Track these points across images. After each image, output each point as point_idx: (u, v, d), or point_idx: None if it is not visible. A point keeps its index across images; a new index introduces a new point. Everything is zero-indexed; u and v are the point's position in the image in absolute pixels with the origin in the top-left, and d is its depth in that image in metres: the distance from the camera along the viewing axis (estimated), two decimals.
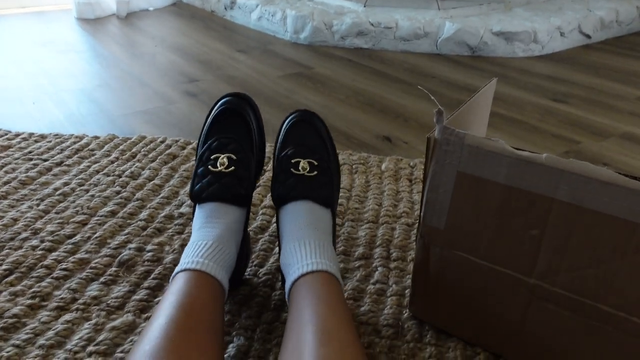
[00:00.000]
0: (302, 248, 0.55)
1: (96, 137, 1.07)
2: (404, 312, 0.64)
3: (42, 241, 0.73)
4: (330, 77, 1.56)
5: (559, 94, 1.47)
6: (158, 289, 0.66)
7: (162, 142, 1.07)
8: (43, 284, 0.65)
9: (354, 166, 0.99)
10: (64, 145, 1.03)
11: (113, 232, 0.77)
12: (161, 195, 0.87)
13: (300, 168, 0.63)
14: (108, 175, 0.93)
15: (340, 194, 0.88)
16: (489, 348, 0.58)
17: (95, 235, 0.75)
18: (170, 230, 0.78)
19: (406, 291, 0.67)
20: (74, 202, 0.84)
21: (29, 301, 0.62)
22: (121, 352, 0.56)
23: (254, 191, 0.65)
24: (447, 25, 1.80)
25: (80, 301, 0.63)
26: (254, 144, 0.67)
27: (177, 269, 0.53)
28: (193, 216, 0.63)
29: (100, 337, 0.57)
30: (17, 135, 1.07)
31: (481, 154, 0.50)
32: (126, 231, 0.77)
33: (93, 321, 0.60)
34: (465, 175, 0.51)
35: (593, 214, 0.46)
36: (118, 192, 0.87)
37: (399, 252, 0.75)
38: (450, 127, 0.51)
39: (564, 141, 1.18)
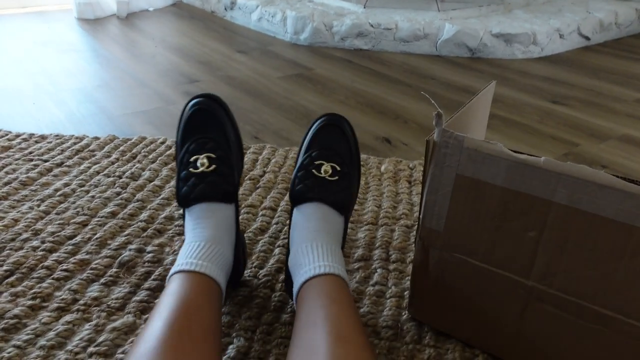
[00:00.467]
0: (314, 250, 0.55)
1: (96, 138, 1.08)
2: (403, 313, 0.64)
3: (42, 242, 0.73)
4: (330, 78, 1.56)
5: (558, 96, 1.48)
6: (158, 290, 0.66)
7: (162, 142, 1.07)
8: (44, 284, 0.65)
9: None
10: (64, 146, 1.03)
11: (113, 233, 0.77)
12: (161, 196, 0.87)
13: (322, 171, 0.63)
14: (108, 176, 0.93)
15: None
16: (488, 350, 0.58)
17: (96, 236, 0.76)
18: (170, 231, 0.78)
19: (405, 293, 0.67)
20: (74, 203, 0.84)
21: (30, 302, 0.63)
22: (122, 353, 0.56)
23: (239, 186, 0.65)
24: (446, 26, 1.80)
25: (81, 302, 0.63)
26: (230, 141, 0.67)
27: (172, 270, 0.53)
28: (184, 221, 0.63)
29: (101, 338, 0.58)
30: (18, 135, 1.07)
31: (480, 156, 0.50)
32: (126, 232, 0.77)
33: (94, 322, 0.60)
34: (464, 177, 0.52)
35: (591, 216, 0.46)
36: (118, 193, 0.87)
37: (398, 253, 0.75)
38: (449, 130, 0.51)
39: (563, 143, 1.18)
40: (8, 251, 0.71)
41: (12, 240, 0.74)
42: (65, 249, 0.72)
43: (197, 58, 1.71)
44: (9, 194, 0.86)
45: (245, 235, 0.77)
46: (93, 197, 0.86)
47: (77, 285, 0.66)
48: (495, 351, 0.58)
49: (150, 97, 1.36)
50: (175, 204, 0.85)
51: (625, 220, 0.44)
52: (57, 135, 1.08)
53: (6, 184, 0.89)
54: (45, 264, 0.69)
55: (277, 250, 0.75)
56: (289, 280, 0.60)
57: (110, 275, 0.68)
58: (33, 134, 1.08)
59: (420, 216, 0.56)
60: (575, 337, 0.51)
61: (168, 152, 1.02)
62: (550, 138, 1.20)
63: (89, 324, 0.60)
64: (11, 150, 1.01)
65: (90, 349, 0.56)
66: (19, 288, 0.65)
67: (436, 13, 1.93)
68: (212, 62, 1.68)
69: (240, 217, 0.82)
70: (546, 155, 1.10)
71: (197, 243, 0.56)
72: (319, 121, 0.68)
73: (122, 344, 0.57)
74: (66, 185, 0.89)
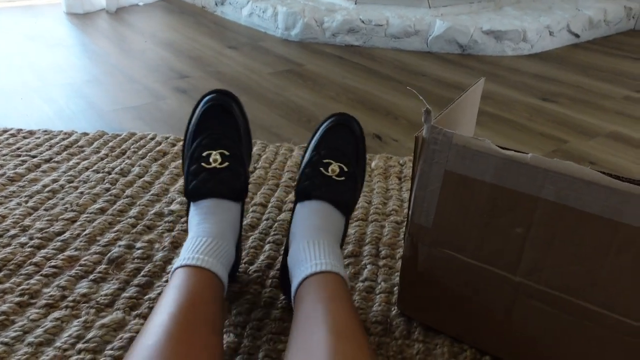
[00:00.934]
0: (314, 248, 0.55)
1: (85, 134, 1.07)
2: (393, 309, 0.64)
3: (30, 238, 0.73)
4: (321, 75, 1.56)
5: (548, 93, 1.49)
6: (148, 287, 0.66)
7: (152, 138, 1.06)
8: (32, 281, 0.65)
9: None
10: (52, 141, 1.03)
11: (102, 229, 0.77)
12: (151, 192, 0.87)
13: (330, 170, 0.63)
14: (97, 172, 0.92)
15: None
16: (476, 345, 0.59)
17: (85, 233, 0.75)
18: (160, 228, 0.78)
19: (395, 288, 0.68)
20: (63, 199, 0.83)
21: (18, 299, 0.62)
22: (111, 349, 0.56)
23: (248, 185, 0.65)
24: (437, 23, 1.81)
25: (70, 299, 0.63)
26: (242, 139, 0.67)
27: (176, 264, 0.53)
28: (187, 214, 0.63)
29: (90, 335, 0.57)
30: (5, 131, 1.06)
31: (468, 153, 0.50)
32: (116, 228, 0.77)
33: (82, 319, 0.60)
34: (452, 174, 0.52)
35: (577, 213, 0.46)
36: (107, 190, 0.87)
37: (387, 249, 0.75)
38: (438, 127, 0.52)
39: (552, 140, 1.19)
40: None
41: (0, 236, 0.73)
42: (54, 246, 0.72)
43: (188, 53, 1.70)
44: None
45: None
46: (82, 193, 0.85)
47: (66, 282, 0.65)
48: (483, 346, 0.58)
49: (140, 92, 1.36)
50: (165, 200, 0.85)
51: (611, 216, 0.45)
52: (45, 131, 1.07)
53: None
54: (34, 260, 0.69)
55: (267, 247, 0.75)
56: (284, 277, 0.60)
57: (99, 272, 0.68)
58: (21, 130, 1.07)
59: (409, 212, 0.57)
60: (561, 332, 0.52)
61: (158, 148, 1.02)
62: (540, 135, 1.21)
63: (78, 320, 0.60)
64: None
65: (79, 346, 0.56)
66: (7, 285, 0.64)
67: (427, 9, 1.94)
68: (202, 57, 1.67)
69: None
70: (535, 152, 1.11)
71: (203, 238, 0.56)
72: (328, 121, 0.69)
73: (111, 340, 0.57)
74: (55, 181, 0.89)
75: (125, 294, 0.64)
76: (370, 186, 0.93)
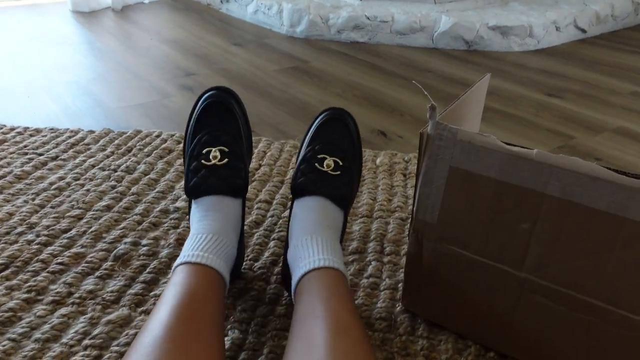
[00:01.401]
0: (313, 243, 0.55)
1: (91, 132, 1.08)
2: (397, 305, 0.64)
3: (37, 235, 0.73)
4: (326, 71, 1.56)
5: (554, 89, 1.48)
6: (153, 283, 0.66)
7: (157, 136, 1.07)
8: (39, 278, 0.65)
9: None
10: (59, 139, 1.03)
11: (109, 226, 0.77)
12: (157, 189, 0.87)
13: (325, 165, 0.63)
14: (103, 170, 0.93)
15: None
16: (481, 341, 0.59)
17: (91, 230, 0.76)
18: (165, 225, 0.78)
19: (399, 285, 0.68)
20: (69, 196, 0.84)
21: (25, 295, 0.63)
22: (117, 345, 0.56)
23: (248, 182, 0.65)
24: (443, 19, 1.80)
25: (76, 295, 0.63)
26: (242, 135, 0.67)
27: (177, 261, 0.53)
28: (189, 212, 0.63)
29: (96, 331, 0.58)
30: (12, 129, 1.07)
31: (473, 149, 0.50)
32: (122, 225, 0.77)
33: (89, 315, 0.60)
34: (457, 170, 0.52)
35: (583, 208, 0.46)
36: (113, 187, 0.87)
37: (392, 246, 0.75)
38: (443, 123, 0.51)
39: (558, 136, 1.18)
40: (3, 245, 0.71)
41: (7, 233, 0.74)
42: (60, 243, 0.72)
43: (193, 51, 1.71)
44: (4, 188, 0.86)
45: None
46: (88, 190, 0.86)
47: (72, 278, 0.66)
48: (488, 342, 0.58)
49: (146, 90, 1.36)
50: (170, 197, 0.85)
51: (617, 211, 0.45)
52: (52, 129, 1.07)
53: (1, 177, 0.88)
54: (40, 257, 0.69)
55: (272, 244, 0.75)
56: (286, 273, 0.60)
57: (106, 269, 0.68)
58: (28, 128, 1.08)
59: (414, 208, 0.56)
60: (567, 328, 0.51)
61: (163, 146, 1.02)
62: (546, 130, 1.21)
63: (84, 316, 0.60)
64: (6, 143, 1.01)
65: (86, 342, 0.56)
66: (14, 282, 0.65)
67: (432, 5, 1.93)
68: (208, 55, 1.67)
69: None
70: (541, 147, 1.10)
71: (204, 235, 0.56)
72: (322, 115, 0.69)
73: (117, 336, 0.58)
74: (61, 178, 0.89)
75: (131, 291, 0.64)
76: (375, 183, 0.93)
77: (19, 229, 0.75)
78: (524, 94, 1.43)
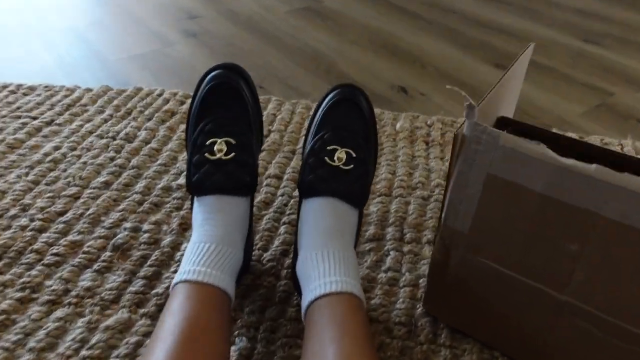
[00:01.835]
0: (325, 259, 0.49)
1: (89, 90, 1.00)
2: (418, 306, 0.59)
3: (31, 220, 0.69)
4: (341, 13, 1.43)
5: (592, 34, 1.35)
6: (155, 278, 0.61)
7: (159, 95, 0.99)
8: (33, 272, 0.61)
9: None
10: (54, 99, 0.96)
11: (107, 207, 0.72)
12: (158, 162, 0.81)
13: (335, 158, 0.55)
14: (102, 138, 0.86)
15: None
16: (508, 354, 0.54)
17: (88, 212, 0.70)
18: (168, 205, 0.73)
19: (420, 280, 0.62)
20: (65, 170, 0.78)
21: (19, 294, 0.59)
22: (116, 357, 0.52)
23: (258, 177, 0.58)
24: None
25: (73, 293, 0.59)
26: (252, 123, 0.59)
27: (177, 277, 0.48)
28: (191, 208, 0.57)
29: (94, 340, 0.54)
30: (5, 87, 1.00)
31: (518, 157, 0.43)
32: (121, 207, 0.72)
33: (86, 318, 0.56)
34: (496, 178, 0.44)
35: None
36: (112, 159, 0.81)
37: (413, 232, 0.69)
38: (482, 125, 0.43)
39: (596, 92, 1.08)
40: None
41: (0, 217, 0.69)
42: (56, 228, 0.68)
43: None
44: None
45: None
46: (85, 163, 0.80)
47: (69, 273, 0.61)
48: (517, 356, 0.54)
49: (147, 37, 1.26)
50: (173, 171, 0.79)
51: None
52: (46, 87, 1.00)
53: None
54: (35, 247, 0.65)
55: (282, 229, 0.69)
56: (295, 282, 0.55)
57: (104, 261, 0.63)
58: (21, 85, 1.00)
59: (443, 214, 0.50)
60: (606, 355, 0.46)
61: (165, 108, 0.95)
62: (582, 85, 1.10)
63: (82, 320, 0.56)
64: None
65: (83, 352, 0.53)
66: (7, 277, 0.60)
67: None
68: None
69: None
70: (576, 107, 1.01)
71: (206, 245, 0.50)
72: (331, 95, 0.60)
73: (116, 344, 0.54)
74: (56, 148, 0.83)
75: (131, 288, 0.60)
76: (395, 152, 0.85)
77: (12, 211, 0.70)
78: (558, 40, 1.31)
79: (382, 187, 0.77)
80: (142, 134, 0.87)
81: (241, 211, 0.55)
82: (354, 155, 0.56)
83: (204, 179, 0.54)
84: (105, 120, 0.91)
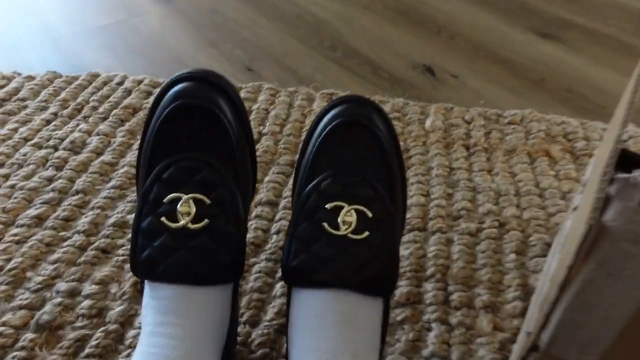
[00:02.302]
0: None
1: (31, 78, 0.78)
2: None
3: None
4: None
5: None
6: None
7: (119, 84, 0.77)
8: None
9: None
10: None
11: (36, 257, 0.52)
12: (112, 183, 0.61)
13: (340, 222, 0.35)
14: (40, 148, 0.65)
15: None
16: None
17: (9, 267, 0.51)
18: (121, 252, 0.53)
19: None
20: None
21: None
22: None
23: (245, 251, 0.38)
24: None
25: None
26: (236, 161, 0.38)
27: None
28: (140, 295, 0.37)
29: None
30: None
31: None
32: (55, 256, 0.52)
33: None
34: None
35: None
36: (50, 180, 0.61)
37: (460, 291, 0.50)
38: None
39: None
40: None
41: None
42: None
43: None
44: None
45: None
46: (13, 187, 0.59)
47: None
48: None
49: (111, 3, 1.03)
50: (130, 196, 0.59)
51: None
52: None
53: None
54: None
55: (279, 289, 0.50)
56: None
57: (23, 348, 0.44)
58: None
59: (543, 335, 0.30)
60: None
61: (126, 102, 0.73)
62: None
63: None
64: None
65: None
66: None
67: None
68: None
69: None
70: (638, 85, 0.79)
71: None
72: (331, 115, 0.39)
73: None
74: None
75: None
76: (427, 163, 0.65)
77: None
78: (616, 0, 1.07)
79: (414, 217, 0.57)
80: (94, 141, 0.66)
81: (218, 310, 0.35)
82: (369, 214, 0.35)
83: (158, 259, 0.34)
84: (48, 122, 0.70)
